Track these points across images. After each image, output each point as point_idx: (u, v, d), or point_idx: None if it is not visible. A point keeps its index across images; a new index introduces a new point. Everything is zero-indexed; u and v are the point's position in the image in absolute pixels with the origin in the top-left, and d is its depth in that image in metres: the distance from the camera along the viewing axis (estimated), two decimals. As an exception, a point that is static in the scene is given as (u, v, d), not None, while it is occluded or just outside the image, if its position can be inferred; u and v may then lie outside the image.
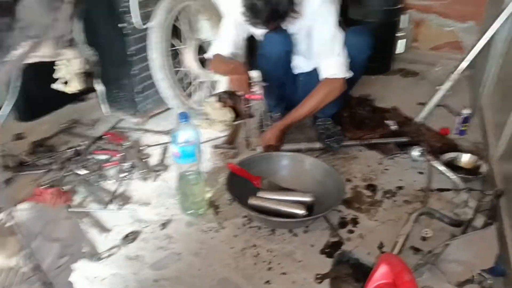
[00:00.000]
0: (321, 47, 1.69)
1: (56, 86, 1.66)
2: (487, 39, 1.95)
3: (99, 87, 1.50)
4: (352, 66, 1.72)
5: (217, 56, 1.81)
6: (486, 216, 1.35)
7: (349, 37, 1.69)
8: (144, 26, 1.90)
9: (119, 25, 1.84)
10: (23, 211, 0.68)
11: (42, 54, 0.71)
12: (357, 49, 1.72)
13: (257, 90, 1.78)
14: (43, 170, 1.71)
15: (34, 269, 0.64)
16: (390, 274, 0.86)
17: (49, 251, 0.68)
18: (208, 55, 1.86)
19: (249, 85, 1.74)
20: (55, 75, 1.63)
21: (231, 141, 1.94)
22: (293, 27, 1.70)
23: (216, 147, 1.86)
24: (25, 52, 0.63)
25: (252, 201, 1.47)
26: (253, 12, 1.48)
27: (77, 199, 1.57)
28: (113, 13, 1.83)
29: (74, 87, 1.60)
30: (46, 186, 1.56)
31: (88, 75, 1.63)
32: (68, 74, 1.58)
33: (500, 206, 1.37)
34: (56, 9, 0.68)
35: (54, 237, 0.69)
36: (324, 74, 1.72)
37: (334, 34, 1.66)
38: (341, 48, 1.68)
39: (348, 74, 1.72)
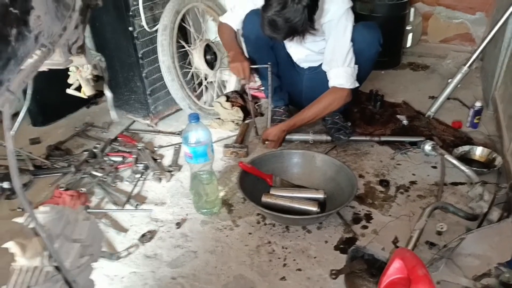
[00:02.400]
0: (333, 56, 1.72)
1: (70, 91, 1.70)
2: (497, 30, 1.93)
3: (108, 93, 1.53)
4: (361, 61, 1.73)
5: (228, 27, 1.89)
6: (502, 209, 1.34)
7: (358, 32, 1.69)
8: (152, 29, 1.93)
9: (128, 28, 1.86)
10: (43, 213, 0.70)
11: (53, 62, 0.73)
12: (366, 44, 1.73)
13: (258, 77, 1.81)
14: (61, 173, 1.74)
15: (57, 268, 0.66)
16: (404, 269, 0.87)
17: (70, 251, 0.70)
18: (221, 19, 1.93)
19: (250, 71, 1.79)
20: (68, 81, 1.67)
21: (241, 140, 1.96)
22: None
23: (227, 146, 1.88)
24: (38, 60, 0.65)
25: (265, 199, 1.49)
26: (272, 28, 1.50)
27: (94, 200, 1.61)
28: (121, 17, 1.85)
29: (87, 92, 1.63)
30: (64, 188, 1.60)
31: (99, 80, 1.66)
32: (81, 79, 1.61)
33: (515, 199, 1.36)
34: (65, 17, 0.70)
35: (74, 237, 0.71)
36: (332, 82, 1.76)
37: (348, 47, 1.68)
38: (352, 59, 1.71)
39: (355, 85, 1.76)
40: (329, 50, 1.72)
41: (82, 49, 0.81)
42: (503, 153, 1.69)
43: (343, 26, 1.65)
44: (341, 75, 1.72)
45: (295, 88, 2.03)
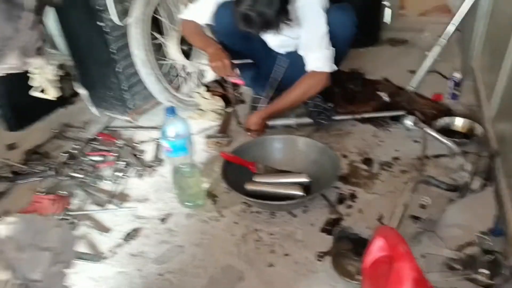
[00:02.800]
0: (309, 41, 1.69)
1: (34, 93, 1.65)
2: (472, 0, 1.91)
3: (82, 91, 1.50)
4: (337, 44, 1.71)
5: (194, 24, 1.80)
6: (483, 178, 1.35)
7: (332, 15, 1.67)
8: (123, 23, 1.87)
9: (98, 23, 1.81)
10: (11, 223, 0.67)
11: (9, 66, 0.70)
12: (342, 27, 1.71)
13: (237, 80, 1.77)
14: (40, 177, 1.71)
15: (26, 279, 0.64)
16: (386, 247, 0.87)
17: (41, 260, 0.68)
18: (183, 16, 1.84)
19: (232, 68, 1.71)
20: (30, 83, 1.62)
21: (224, 129, 1.93)
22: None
23: (209, 137, 1.85)
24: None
25: (249, 186, 1.48)
26: (246, 22, 1.47)
27: (76, 202, 1.58)
28: (90, 12, 1.80)
29: (51, 94, 1.59)
30: (44, 192, 1.56)
31: (69, 80, 1.62)
32: (43, 81, 1.57)
33: (496, 167, 1.37)
34: (16, 18, 0.67)
35: (44, 246, 0.69)
36: (310, 66, 1.73)
37: (324, 31, 1.66)
38: (328, 42, 1.68)
39: (333, 68, 1.74)
40: (305, 35, 1.70)
41: (41, 51, 0.78)
42: (483, 122, 1.70)
43: (317, 10, 1.63)
44: (319, 58, 1.71)
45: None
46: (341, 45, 1.74)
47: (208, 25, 1.87)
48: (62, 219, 1.45)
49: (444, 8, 2.97)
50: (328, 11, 1.66)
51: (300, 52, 1.76)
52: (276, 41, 1.87)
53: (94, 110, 1.97)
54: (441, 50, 2.04)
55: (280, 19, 1.48)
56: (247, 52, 1.84)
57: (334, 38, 1.69)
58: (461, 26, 2.53)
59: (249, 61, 1.75)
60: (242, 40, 1.77)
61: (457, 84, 1.95)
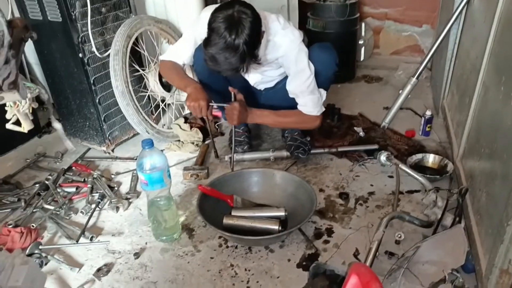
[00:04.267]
0: (296, 88, 1.72)
1: (10, 126, 1.63)
2: (440, 42, 2.03)
3: (57, 124, 1.48)
4: (318, 82, 1.73)
5: (172, 64, 1.79)
6: (454, 214, 1.38)
7: (314, 54, 1.70)
8: (104, 55, 1.89)
9: (78, 55, 1.82)
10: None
11: (-18, 100, 0.70)
12: (323, 65, 1.74)
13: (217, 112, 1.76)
14: (10, 209, 1.65)
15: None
16: (359, 284, 0.87)
17: (6, 300, 0.65)
18: (162, 57, 1.83)
19: (209, 109, 1.68)
20: (6, 116, 1.60)
21: (201, 161, 1.93)
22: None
23: (186, 169, 1.85)
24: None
25: (227, 220, 1.47)
26: (214, 64, 1.47)
27: (46, 235, 1.53)
28: (70, 44, 1.81)
29: (26, 127, 1.57)
30: (13, 225, 1.51)
31: (45, 110, 1.60)
32: (18, 114, 1.55)
33: (466, 204, 1.41)
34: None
35: (10, 285, 0.66)
36: (301, 109, 1.78)
37: (308, 77, 1.68)
38: (314, 86, 1.72)
39: (322, 110, 1.80)
40: (291, 83, 1.73)
41: (14, 85, 0.78)
42: (453, 159, 1.76)
43: (300, 59, 1.65)
44: (308, 103, 1.75)
45: (253, 107, 2.00)
46: (323, 83, 1.78)
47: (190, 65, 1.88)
48: (31, 253, 1.40)
49: (416, 47, 3.14)
50: (311, 50, 1.69)
51: (290, 95, 1.78)
52: (257, 79, 1.90)
53: (68, 143, 1.96)
54: (413, 89, 2.14)
55: (248, 63, 1.47)
56: (227, 90, 1.84)
57: (317, 76, 1.72)
58: (432, 65, 2.68)
59: (226, 104, 1.72)
60: (222, 78, 1.78)
61: (429, 121, 2.03)
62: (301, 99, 1.75)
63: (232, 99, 1.71)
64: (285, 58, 1.65)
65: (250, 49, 1.44)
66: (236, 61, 1.43)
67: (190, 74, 1.95)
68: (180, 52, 1.79)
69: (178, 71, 1.79)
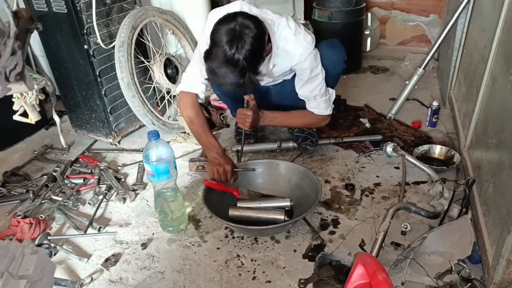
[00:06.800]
0: (310, 94, 1.72)
1: (17, 118, 1.64)
2: (448, 31, 2.00)
3: (57, 118, 1.48)
4: (327, 79, 1.72)
5: (189, 100, 1.68)
6: (461, 205, 1.38)
7: (323, 52, 1.67)
8: (109, 46, 1.89)
9: (83, 46, 1.82)
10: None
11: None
12: (332, 64, 1.72)
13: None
14: (18, 200, 1.67)
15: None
16: (366, 274, 0.88)
17: (16, 288, 0.67)
18: (179, 88, 1.71)
19: (232, 174, 1.58)
20: (13, 107, 1.61)
21: (208, 153, 1.93)
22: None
23: (192, 160, 1.85)
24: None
25: (232, 212, 1.47)
26: (215, 78, 1.42)
27: (55, 226, 1.55)
28: (75, 36, 1.81)
29: (33, 118, 1.58)
30: (22, 216, 1.53)
31: (51, 102, 1.61)
32: (25, 106, 1.56)
33: (473, 195, 1.41)
34: (2, 47, 0.67)
35: (20, 274, 0.67)
36: (313, 111, 1.78)
37: (321, 82, 1.68)
38: (326, 89, 1.72)
39: (332, 108, 1.81)
40: (304, 88, 1.71)
41: (21, 76, 0.78)
42: (460, 150, 1.75)
43: (314, 66, 1.63)
44: (321, 105, 1.75)
45: (263, 104, 1.97)
46: (331, 80, 1.77)
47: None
48: (40, 244, 1.42)
49: (422, 37, 3.10)
50: (319, 48, 1.66)
51: (301, 97, 1.77)
52: (267, 81, 1.86)
53: (63, 141, 1.98)
54: (420, 79, 2.12)
55: (248, 79, 1.39)
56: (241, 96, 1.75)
57: (325, 75, 1.70)
58: (439, 56, 2.66)
59: (252, 169, 1.67)
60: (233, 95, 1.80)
61: (436, 112, 2.02)
62: (313, 102, 1.75)
63: (245, 105, 1.69)
64: (299, 66, 1.63)
65: (251, 65, 1.37)
66: (236, 76, 1.37)
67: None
68: (195, 80, 1.67)
69: (201, 122, 1.67)
